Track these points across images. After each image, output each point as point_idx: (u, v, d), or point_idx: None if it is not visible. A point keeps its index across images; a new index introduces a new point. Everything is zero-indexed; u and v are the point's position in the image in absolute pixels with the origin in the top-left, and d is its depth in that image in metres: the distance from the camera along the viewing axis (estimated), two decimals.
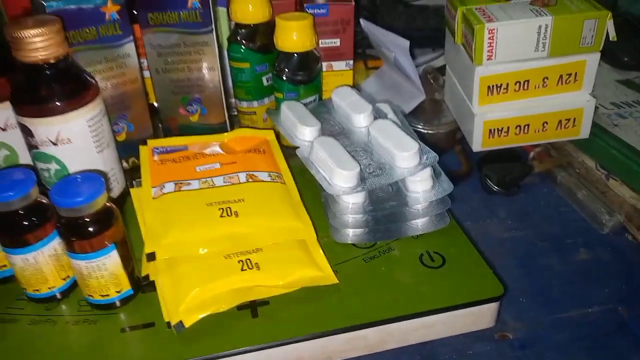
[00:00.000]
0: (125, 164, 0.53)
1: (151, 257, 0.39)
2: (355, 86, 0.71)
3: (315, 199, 0.48)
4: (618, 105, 0.64)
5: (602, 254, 0.50)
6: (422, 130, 0.64)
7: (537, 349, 0.41)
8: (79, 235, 0.36)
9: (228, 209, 0.42)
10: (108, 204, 0.37)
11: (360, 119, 0.49)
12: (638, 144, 0.56)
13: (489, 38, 0.53)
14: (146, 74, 0.55)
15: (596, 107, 0.63)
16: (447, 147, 0.64)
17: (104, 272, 0.37)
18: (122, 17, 0.49)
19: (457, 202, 0.56)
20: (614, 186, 0.55)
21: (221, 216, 0.41)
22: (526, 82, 0.56)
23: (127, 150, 0.52)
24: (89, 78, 0.44)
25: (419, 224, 0.45)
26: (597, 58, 0.55)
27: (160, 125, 0.58)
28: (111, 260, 0.37)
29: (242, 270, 0.38)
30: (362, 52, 0.76)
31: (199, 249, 0.39)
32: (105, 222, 0.36)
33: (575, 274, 0.48)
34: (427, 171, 0.44)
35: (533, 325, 0.43)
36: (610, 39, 0.54)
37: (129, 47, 0.50)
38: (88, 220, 0.36)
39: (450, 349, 0.41)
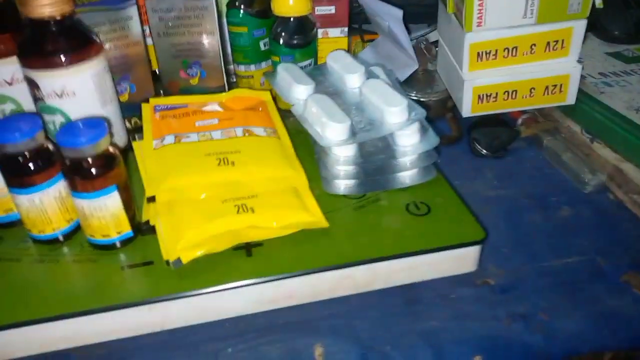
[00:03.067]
0: (127, 124, 0.55)
1: (151, 199, 0.41)
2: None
3: (309, 156, 0.50)
4: (605, 75, 0.66)
5: (584, 211, 0.52)
6: (414, 98, 0.66)
7: (517, 293, 0.43)
8: (82, 175, 0.38)
9: (225, 159, 0.44)
10: (111, 149, 0.39)
11: (353, 79, 0.52)
12: (622, 109, 0.58)
13: (479, 5, 0.55)
14: (149, 42, 0.57)
15: (584, 77, 0.65)
16: (438, 115, 0.66)
17: (105, 212, 0.39)
18: None
19: (446, 164, 0.58)
20: (597, 149, 0.57)
21: (218, 165, 0.43)
22: (514, 49, 0.58)
23: (129, 110, 0.54)
24: (92, 36, 0.47)
25: (407, 176, 0.47)
26: (584, 25, 0.57)
27: (162, 92, 0.60)
28: (112, 201, 0.39)
29: (237, 212, 0.40)
30: (359, 27, 0.78)
31: (197, 193, 0.42)
32: (107, 164, 0.39)
33: (556, 228, 0.50)
34: (415, 126, 0.46)
35: (514, 272, 0.45)
36: (597, 6, 0.56)
37: (132, 11, 0.52)
38: (91, 161, 0.38)
39: (434, 293, 0.43)
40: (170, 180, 0.42)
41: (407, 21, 0.63)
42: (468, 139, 0.61)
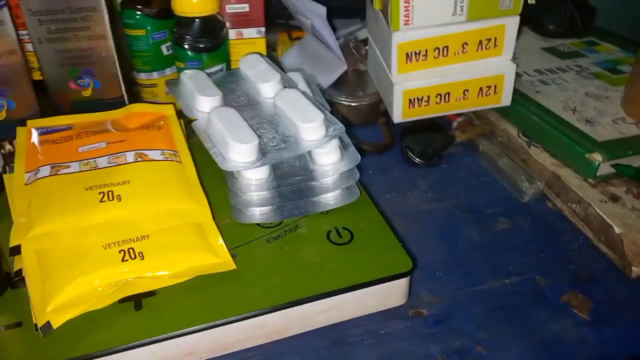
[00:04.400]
0: (9, 147, 0.47)
1: (15, 250, 0.34)
2: (277, 57, 0.67)
3: (219, 178, 0.44)
4: (541, 72, 0.63)
5: (522, 223, 0.48)
6: (345, 103, 0.61)
7: (453, 323, 0.39)
8: None
9: (110, 192, 0.37)
10: None
11: (266, 89, 0.46)
12: (559, 110, 0.55)
13: (405, 1, 0.50)
14: (29, 48, 0.49)
15: (520, 75, 0.62)
16: (371, 120, 0.61)
17: None
18: None
19: (377, 175, 0.54)
20: (535, 153, 0.54)
21: (101, 201, 0.37)
22: (445, 48, 0.53)
23: (8, 131, 0.47)
24: None
25: (329, 198, 0.42)
26: (517, 22, 0.53)
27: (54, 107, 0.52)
28: None
29: (122, 260, 0.34)
30: (285, 23, 0.73)
31: (72, 239, 0.35)
32: None
33: (494, 244, 0.46)
34: (334, 143, 0.41)
35: (449, 299, 0.41)
36: (529, 2, 0.52)
37: (2, 14, 0.44)
38: None
39: (362, 330, 0.38)
40: (40, 226, 0.35)
41: (334, 16, 0.58)
42: (400, 146, 0.57)
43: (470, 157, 0.57)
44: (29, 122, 0.44)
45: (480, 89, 0.55)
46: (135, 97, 0.54)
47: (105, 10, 0.47)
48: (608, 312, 0.40)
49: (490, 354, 0.37)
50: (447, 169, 0.55)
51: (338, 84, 0.62)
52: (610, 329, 0.39)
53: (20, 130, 0.43)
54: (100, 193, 0.37)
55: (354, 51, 0.66)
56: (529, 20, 0.72)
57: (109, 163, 0.39)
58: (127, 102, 0.52)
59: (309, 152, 0.42)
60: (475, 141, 0.57)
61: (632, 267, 0.42)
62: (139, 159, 0.40)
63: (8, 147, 0.47)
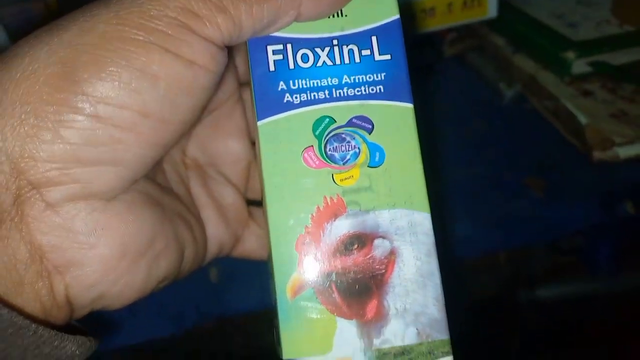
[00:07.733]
0: None
1: None
2: None
3: None
4: None
5: (497, 123, 0.51)
6: None
7: None
8: None
9: None
10: None
11: None
12: (544, 18, 0.56)
13: None
14: None
15: None
16: None
17: None
18: None
19: None
20: (518, 60, 0.55)
21: None
22: None
23: None
24: None
25: None
26: None
27: None
28: None
29: None
30: None
31: None
32: None
33: (465, 141, 0.49)
34: None
35: None
36: None
37: None
38: None
39: None
40: None
41: None
42: None
43: (457, 71, 0.59)
44: None
45: (465, 2, 0.57)
46: None
47: None
48: (563, 191, 0.43)
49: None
50: (434, 82, 0.58)
51: None
52: (564, 206, 0.42)
53: None
54: None
55: None
56: None
57: None
58: None
59: None
60: (464, 55, 0.60)
61: (594, 152, 0.44)
62: None
63: None
